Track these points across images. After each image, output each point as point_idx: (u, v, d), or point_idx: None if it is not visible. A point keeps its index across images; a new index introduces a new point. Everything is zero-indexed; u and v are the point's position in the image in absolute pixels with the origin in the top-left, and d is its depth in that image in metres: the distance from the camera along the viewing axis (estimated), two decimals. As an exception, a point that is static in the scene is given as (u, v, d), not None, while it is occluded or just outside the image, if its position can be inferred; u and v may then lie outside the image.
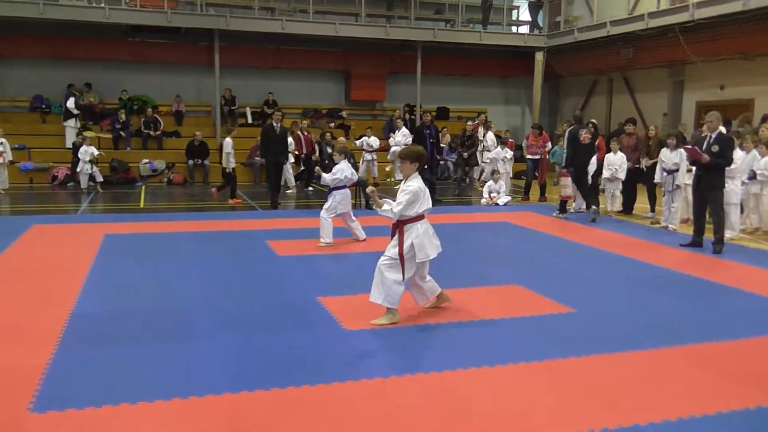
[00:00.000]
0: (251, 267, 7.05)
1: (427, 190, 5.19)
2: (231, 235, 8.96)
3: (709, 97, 15.79)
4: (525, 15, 20.33)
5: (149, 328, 4.93)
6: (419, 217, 5.11)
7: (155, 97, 17.49)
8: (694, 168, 8.36)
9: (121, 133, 15.95)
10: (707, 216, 8.41)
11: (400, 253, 5.04)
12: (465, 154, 14.13)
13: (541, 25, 19.50)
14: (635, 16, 16.03)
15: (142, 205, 12.11)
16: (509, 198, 12.81)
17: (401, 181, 5.31)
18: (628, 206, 11.35)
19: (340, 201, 8.23)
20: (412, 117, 18.34)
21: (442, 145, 16.62)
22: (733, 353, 4.58)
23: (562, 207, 11.14)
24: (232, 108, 17.74)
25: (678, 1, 14.94)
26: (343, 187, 8.29)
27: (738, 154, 8.96)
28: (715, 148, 7.88)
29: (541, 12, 19.52)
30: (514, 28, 20.15)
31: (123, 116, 16.01)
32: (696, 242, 8.31)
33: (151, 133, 16.33)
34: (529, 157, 13.70)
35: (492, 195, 12.66)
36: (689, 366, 4.30)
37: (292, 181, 14.34)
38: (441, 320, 5.20)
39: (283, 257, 7.53)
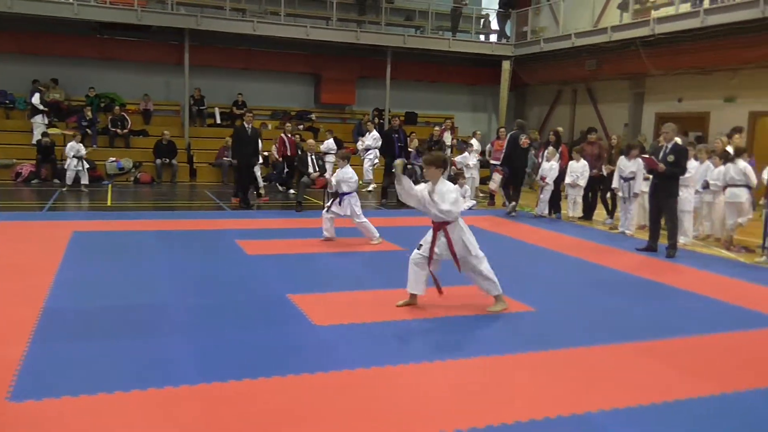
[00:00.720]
0: (220, 265, 7.16)
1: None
2: (200, 234, 9.03)
3: (667, 109, 16.36)
4: (493, 24, 20.75)
5: (122, 323, 5.02)
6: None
7: (123, 95, 17.37)
8: (651, 176, 8.73)
9: (88, 130, 15.80)
10: (662, 222, 8.79)
11: (452, 251, 5.43)
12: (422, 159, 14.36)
13: (508, 34, 19.94)
14: (599, 28, 16.54)
15: (109, 203, 12.06)
16: (474, 202, 13.10)
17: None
18: (588, 212, 11.74)
19: (354, 203, 8.55)
20: (381, 121, 18.56)
21: (410, 149, 16.89)
22: (680, 349, 4.87)
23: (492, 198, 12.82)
24: (201, 108, 17.74)
25: (640, 15, 15.49)
26: (353, 192, 8.60)
27: (692, 164, 9.38)
28: (671, 158, 8.27)
29: (508, 22, 19.95)
30: (482, 37, 20.54)
31: (89, 113, 15.88)
32: (651, 247, 8.68)
33: (119, 131, 16.22)
34: (493, 162, 14.01)
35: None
36: (639, 360, 4.57)
37: (261, 182, 14.39)
38: (407, 317, 5.40)
39: (253, 256, 7.65)
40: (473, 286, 6.51)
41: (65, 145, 14.15)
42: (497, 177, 12.47)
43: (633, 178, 9.74)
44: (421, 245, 5.62)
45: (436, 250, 5.47)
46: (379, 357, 4.43)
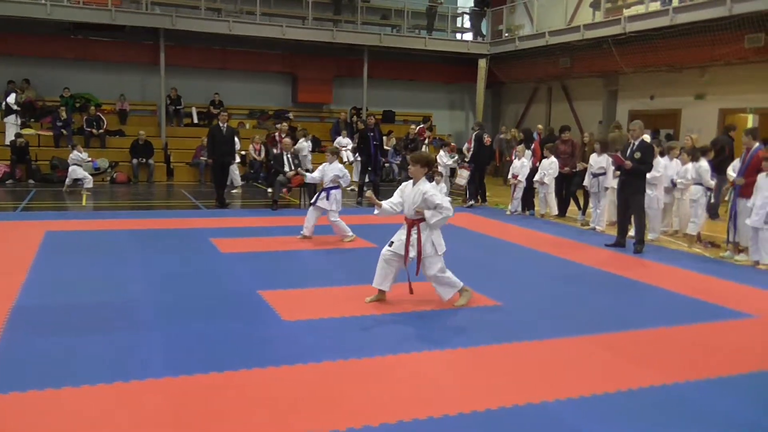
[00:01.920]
0: (193, 263, 7.21)
1: None
2: (174, 233, 9.06)
3: (640, 107, 16.63)
4: (469, 22, 20.90)
5: (91, 320, 5.07)
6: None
7: (99, 95, 17.26)
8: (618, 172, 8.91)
9: (63, 131, 15.70)
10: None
11: (419, 250, 5.57)
12: (408, 157, 14.49)
13: (484, 33, 20.12)
14: (572, 27, 16.77)
15: (84, 203, 12.03)
16: (449, 199, 13.20)
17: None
18: (562, 209, 11.91)
19: (339, 199, 8.74)
20: (358, 120, 18.61)
21: (387, 147, 17.02)
22: (641, 340, 5.02)
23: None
24: (178, 107, 17.70)
25: (611, 14, 15.72)
26: (338, 186, 8.75)
27: (662, 162, 9.57)
28: (638, 155, 8.44)
29: (484, 20, 20.13)
30: (458, 35, 20.71)
31: (64, 114, 15.77)
32: (619, 242, 8.85)
33: (94, 131, 16.14)
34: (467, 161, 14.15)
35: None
36: (596, 352, 4.72)
37: (238, 181, 14.43)
38: (375, 312, 5.50)
39: (226, 254, 7.71)
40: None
41: (39, 146, 14.09)
42: (465, 173, 13.18)
43: (603, 174, 9.92)
44: (392, 242, 5.72)
45: (410, 247, 5.58)
46: (345, 350, 4.52)
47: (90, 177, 13.43)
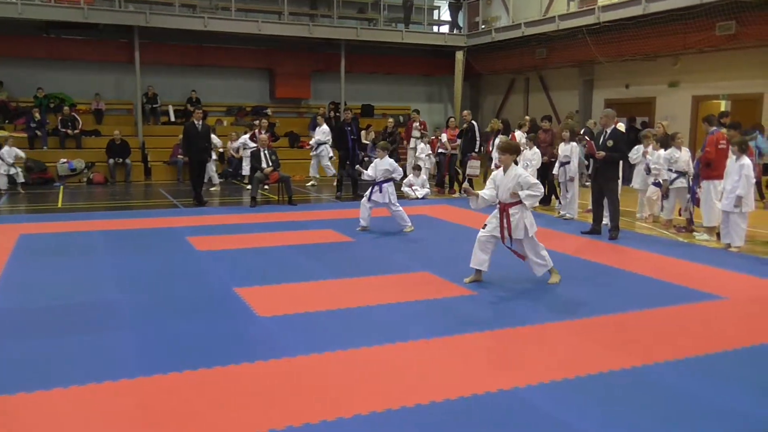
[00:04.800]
0: (169, 262, 7.19)
1: None
2: (151, 233, 9.01)
3: (615, 95, 16.78)
4: (445, 15, 20.95)
5: (65, 321, 5.04)
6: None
7: (73, 95, 17.06)
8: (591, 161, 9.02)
9: (37, 132, 15.54)
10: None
11: (509, 231, 6.07)
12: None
13: (461, 25, 20.15)
14: (547, 17, 16.85)
15: (60, 205, 11.92)
16: (427, 191, 13.29)
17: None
18: (544, 198, 11.96)
19: (393, 191, 9.15)
20: (337, 114, 18.61)
21: (365, 141, 17.00)
22: (613, 325, 5.11)
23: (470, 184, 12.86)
24: (154, 106, 17.55)
25: (585, 4, 15.82)
26: (392, 179, 9.17)
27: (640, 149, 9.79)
28: (610, 143, 8.54)
29: (460, 12, 20.16)
30: (435, 28, 20.72)
31: (38, 115, 15.58)
32: (595, 230, 8.95)
33: (69, 132, 15.96)
34: (442, 151, 14.15)
35: (413, 188, 13.11)
36: (568, 337, 4.78)
37: (215, 178, 14.36)
38: (351, 305, 5.52)
39: (203, 252, 7.69)
40: (419, 273, 6.71)
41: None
42: (475, 163, 12.95)
43: (569, 163, 10.03)
44: (486, 225, 6.21)
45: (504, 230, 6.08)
46: (319, 344, 4.54)
47: (20, 173, 13.36)
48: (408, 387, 3.85)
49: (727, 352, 4.52)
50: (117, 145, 15.46)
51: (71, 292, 5.91)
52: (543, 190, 6.17)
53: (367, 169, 9.51)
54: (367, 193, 9.19)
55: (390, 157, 14.40)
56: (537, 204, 6.11)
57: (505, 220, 6.04)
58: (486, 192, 6.23)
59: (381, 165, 9.16)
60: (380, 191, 9.00)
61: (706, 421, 3.49)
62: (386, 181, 9.09)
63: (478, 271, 6.24)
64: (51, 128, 16.00)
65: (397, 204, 9.18)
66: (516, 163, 6.38)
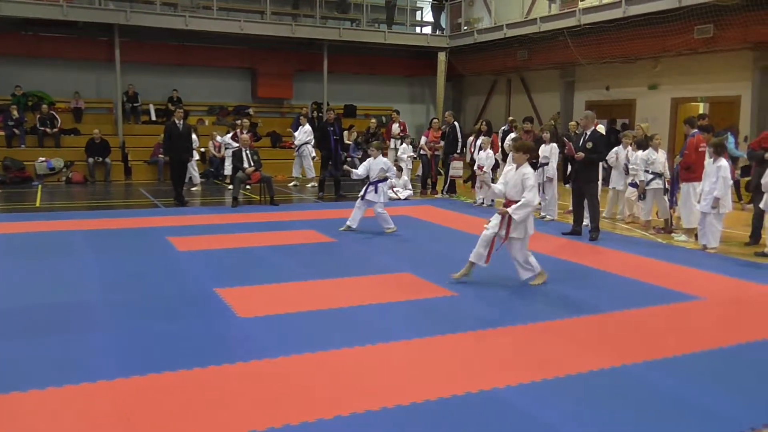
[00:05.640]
0: (149, 262, 7.12)
1: None
2: (131, 233, 8.92)
3: (596, 97, 16.92)
4: (428, 16, 20.99)
5: (43, 322, 4.98)
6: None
7: (52, 93, 16.85)
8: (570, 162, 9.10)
9: (15, 130, 15.32)
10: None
11: (508, 231, 6.15)
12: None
13: (443, 26, 20.22)
14: (529, 19, 16.98)
15: (38, 204, 11.76)
16: (410, 192, 13.31)
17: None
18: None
19: (386, 192, 9.20)
20: (320, 114, 18.57)
21: (348, 142, 16.99)
22: (592, 326, 5.15)
23: (452, 187, 13.37)
24: (135, 105, 17.39)
25: (567, 6, 15.94)
26: (386, 179, 9.23)
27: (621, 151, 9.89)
28: (590, 145, 8.61)
29: (443, 13, 20.21)
30: (417, 29, 20.76)
31: (16, 113, 15.37)
32: (575, 231, 9.02)
33: (48, 130, 15.76)
34: (423, 152, 14.17)
35: (395, 190, 13.11)
36: (552, 338, 4.82)
37: (197, 178, 14.26)
38: (332, 306, 5.51)
39: (183, 252, 7.63)
40: (401, 274, 6.72)
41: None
42: (458, 164, 13.14)
43: (548, 164, 10.12)
44: (490, 221, 6.35)
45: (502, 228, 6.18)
46: (300, 345, 4.52)
47: None
48: (389, 388, 3.85)
49: (705, 352, 4.58)
50: (97, 144, 15.29)
51: (49, 292, 5.83)
52: (536, 204, 6.29)
53: (357, 169, 9.54)
54: (361, 192, 9.16)
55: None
56: (526, 215, 6.15)
57: (507, 217, 6.15)
58: (497, 186, 6.44)
59: (376, 164, 9.17)
60: (375, 191, 9.00)
61: (685, 420, 3.53)
62: (381, 180, 9.09)
63: (471, 265, 6.33)
64: (29, 126, 15.79)
65: (383, 206, 9.15)
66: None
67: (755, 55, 13.13)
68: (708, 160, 8.05)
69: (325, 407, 3.56)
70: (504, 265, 7.21)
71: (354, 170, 9.57)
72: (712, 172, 7.88)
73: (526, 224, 6.19)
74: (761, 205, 7.98)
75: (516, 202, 6.14)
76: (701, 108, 14.87)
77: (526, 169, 6.27)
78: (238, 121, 15.11)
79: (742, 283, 6.63)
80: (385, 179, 9.20)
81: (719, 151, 7.93)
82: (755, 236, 8.45)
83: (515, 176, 6.26)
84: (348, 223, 9.06)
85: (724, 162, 7.90)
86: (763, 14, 11.93)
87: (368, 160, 9.37)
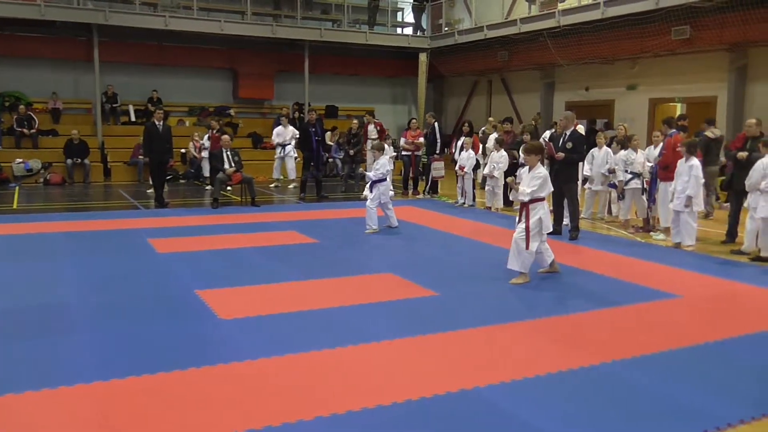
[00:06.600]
0: (129, 264, 7.06)
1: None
2: (110, 234, 8.84)
3: (576, 98, 17.07)
4: (409, 17, 21.03)
5: (20, 325, 4.92)
6: (542, 198, 6.39)
7: (29, 93, 16.65)
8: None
9: (-9, 131, 15.14)
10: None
11: (527, 227, 6.29)
12: (351, 152, 14.54)
13: (424, 27, 20.27)
14: (509, 21, 17.08)
15: (15, 206, 11.61)
16: (392, 193, 13.27)
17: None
18: (508, 200, 12.10)
19: (383, 192, 9.27)
20: (302, 115, 18.51)
21: (330, 142, 16.98)
22: (571, 324, 5.19)
23: (434, 187, 13.50)
24: (114, 105, 17.23)
25: (546, 8, 16.06)
26: (385, 179, 9.29)
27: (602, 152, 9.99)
28: (569, 145, 8.69)
29: (424, 14, 20.26)
30: (399, 30, 20.79)
31: (-8, 113, 15.19)
32: (555, 230, 9.05)
33: (25, 131, 15.56)
34: (405, 153, 14.20)
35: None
36: (531, 336, 4.86)
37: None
38: (314, 306, 5.51)
39: (163, 254, 7.58)
40: (383, 274, 6.73)
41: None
42: (439, 164, 13.20)
43: (525, 164, 10.17)
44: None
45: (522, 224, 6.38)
46: (282, 347, 4.52)
47: None
48: (370, 388, 3.86)
49: (683, 349, 4.64)
50: (75, 145, 15.13)
51: (26, 294, 5.77)
52: (529, 192, 6.37)
53: (363, 171, 9.76)
54: (367, 194, 9.43)
55: (354, 158, 14.68)
56: (524, 198, 6.37)
57: (524, 214, 6.34)
58: (521, 188, 6.59)
59: (382, 165, 9.39)
60: (371, 189, 9.26)
61: (665, 417, 3.57)
62: (379, 180, 9.22)
63: (552, 262, 6.69)
64: (6, 127, 15.61)
65: (374, 204, 9.28)
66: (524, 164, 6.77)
67: (731, 56, 13.34)
68: (681, 159, 8.15)
69: (305, 408, 3.56)
70: (486, 264, 7.26)
71: (368, 173, 9.70)
72: (685, 171, 7.99)
73: (542, 217, 6.35)
74: (745, 205, 8.08)
75: (533, 202, 6.34)
76: (679, 108, 15.07)
77: (540, 169, 6.49)
78: (213, 122, 15.00)
79: (719, 280, 6.73)
80: (384, 179, 9.28)
81: (692, 150, 8.04)
82: (731, 234, 8.57)
83: (528, 177, 6.48)
84: (372, 227, 9.17)
85: (695, 161, 8.01)
86: (739, 16, 12.12)
87: (378, 161, 9.50)
